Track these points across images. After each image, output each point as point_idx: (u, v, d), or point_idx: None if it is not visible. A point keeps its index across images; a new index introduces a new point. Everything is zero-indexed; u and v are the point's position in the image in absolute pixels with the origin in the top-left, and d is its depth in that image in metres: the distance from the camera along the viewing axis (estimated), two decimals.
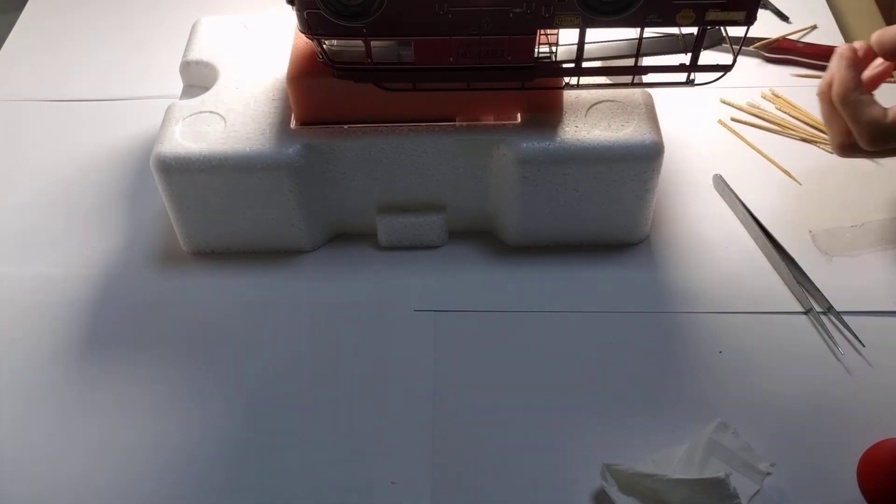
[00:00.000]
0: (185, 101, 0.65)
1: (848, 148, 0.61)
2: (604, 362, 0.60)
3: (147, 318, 0.64)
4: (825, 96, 0.61)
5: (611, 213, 0.64)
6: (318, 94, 0.61)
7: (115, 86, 0.82)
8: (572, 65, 0.58)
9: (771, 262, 0.65)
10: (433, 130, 0.62)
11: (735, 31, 0.58)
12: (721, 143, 0.74)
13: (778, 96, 0.77)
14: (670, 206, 0.69)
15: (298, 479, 0.55)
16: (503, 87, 0.60)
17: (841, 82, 0.59)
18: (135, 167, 0.73)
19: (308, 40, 0.57)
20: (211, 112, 0.64)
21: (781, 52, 0.81)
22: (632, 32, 0.57)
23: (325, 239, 0.68)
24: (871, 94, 0.60)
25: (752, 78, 0.79)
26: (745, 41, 0.58)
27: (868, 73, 0.62)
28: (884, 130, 0.58)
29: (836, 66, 0.60)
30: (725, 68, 0.58)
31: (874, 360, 0.60)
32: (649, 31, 0.57)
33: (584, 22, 0.55)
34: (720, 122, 0.76)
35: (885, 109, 0.59)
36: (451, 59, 0.57)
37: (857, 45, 0.61)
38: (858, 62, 0.60)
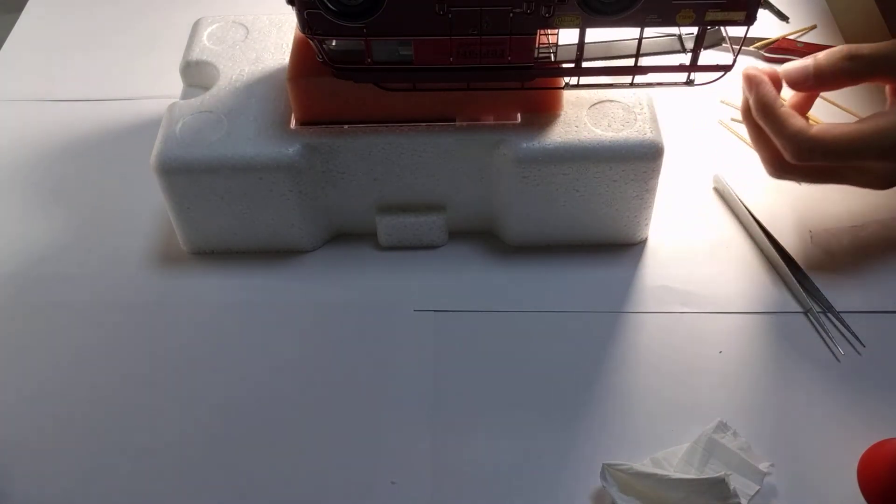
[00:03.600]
0: (185, 101, 0.65)
1: (779, 167, 0.61)
2: (604, 362, 0.60)
3: (147, 318, 0.64)
4: (747, 117, 0.62)
5: (611, 213, 0.64)
6: (317, 94, 0.61)
7: (115, 86, 0.82)
8: (572, 65, 0.58)
9: (771, 262, 0.65)
10: (433, 130, 0.62)
11: (735, 31, 0.58)
12: (721, 143, 0.74)
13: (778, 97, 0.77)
14: (670, 206, 0.69)
15: (298, 479, 0.55)
16: (503, 87, 0.60)
17: (760, 98, 0.59)
18: (135, 167, 0.73)
19: (308, 40, 0.57)
20: (211, 112, 0.64)
21: (781, 52, 0.81)
22: (632, 32, 0.57)
23: (325, 239, 0.68)
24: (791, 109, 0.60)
25: None
26: (745, 41, 0.58)
27: (793, 99, 0.63)
28: (807, 142, 0.58)
29: (748, 86, 0.61)
30: (725, 68, 0.58)
31: (874, 360, 0.60)
32: (649, 31, 0.57)
33: (584, 22, 0.55)
34: (720, 122, 0.76)
35: (808, 121, 0.58)
36: (451, 59, 0.57)
37: (765, 69, 0.61)
38: (772, 79, 0.60)
